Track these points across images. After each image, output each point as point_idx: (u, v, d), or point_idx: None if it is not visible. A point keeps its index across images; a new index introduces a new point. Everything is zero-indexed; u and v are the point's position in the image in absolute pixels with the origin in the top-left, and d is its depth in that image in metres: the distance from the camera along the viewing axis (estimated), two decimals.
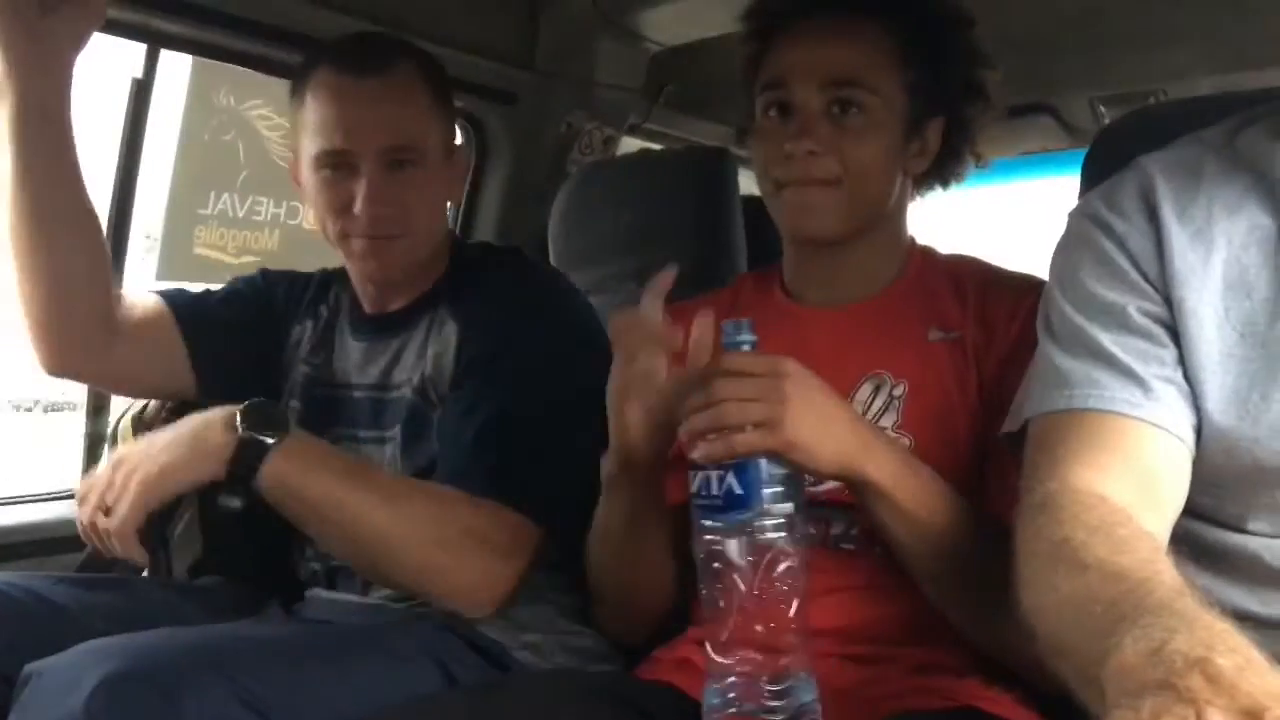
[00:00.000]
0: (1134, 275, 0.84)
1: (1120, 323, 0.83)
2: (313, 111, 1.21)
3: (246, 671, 0.96)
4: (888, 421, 1.05)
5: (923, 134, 1.12)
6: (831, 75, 1.06)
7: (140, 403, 1.46)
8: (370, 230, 1.20)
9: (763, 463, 0.85)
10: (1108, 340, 0.83)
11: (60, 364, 1.29)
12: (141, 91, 1.64)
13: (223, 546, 1.40)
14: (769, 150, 1.09)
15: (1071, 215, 0.92)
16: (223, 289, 1.41)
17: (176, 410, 1.40)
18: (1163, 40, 2.03)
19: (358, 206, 1.19)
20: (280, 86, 1.83)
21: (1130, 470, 0.79)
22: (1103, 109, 2.38)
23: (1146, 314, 0.83)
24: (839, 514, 1.02)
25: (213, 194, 1.84)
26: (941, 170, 1.17)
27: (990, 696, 0.96)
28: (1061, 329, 0.87)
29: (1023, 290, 1.06)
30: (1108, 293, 0.84)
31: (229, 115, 1.81)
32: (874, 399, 1.06)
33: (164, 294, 1.36)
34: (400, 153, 1.20)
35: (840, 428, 0.89)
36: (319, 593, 1.31)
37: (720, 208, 1.64)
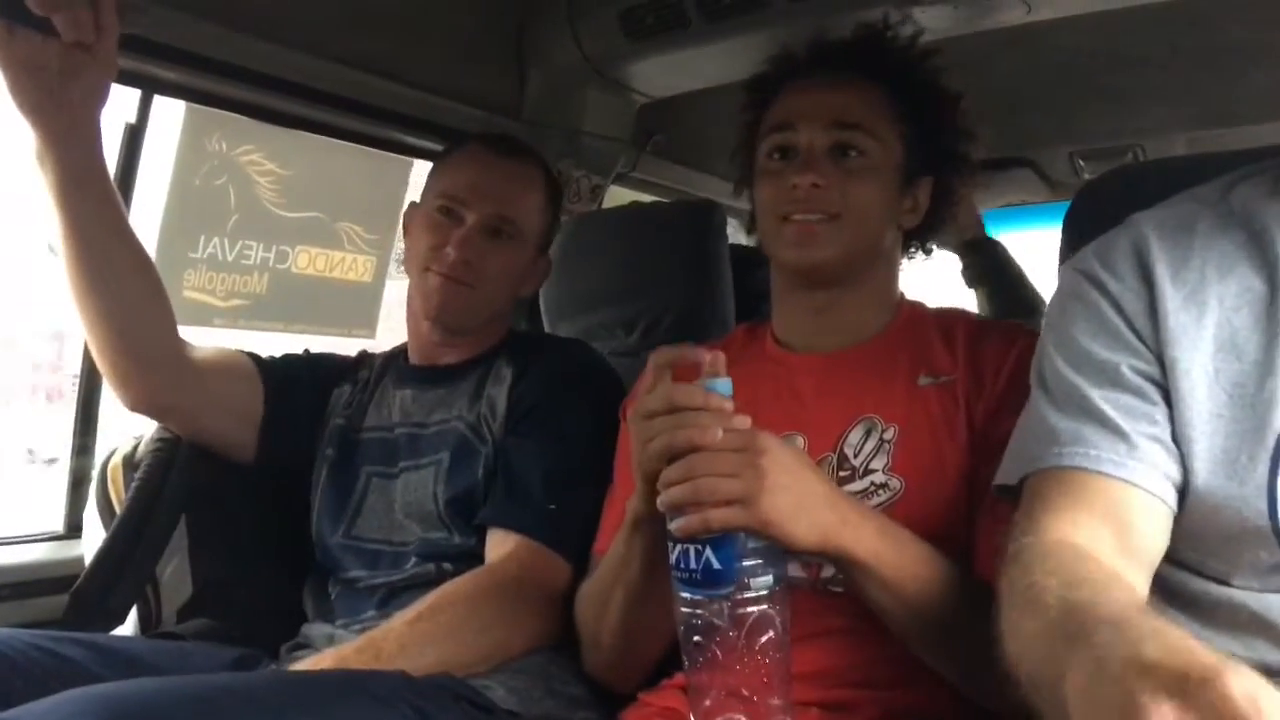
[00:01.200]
0: (1127, 334, 0.85)
1: (1112, 380, 0.84)
2: (448, 172, 1.42)
3: None
4: (879, 464, 1.05)
5: (914, 191, 1.17)
6: (836, 118, 1.12)
7: (130, 443, 1.46)
8: (450, 270, 1.36)
9: (741, 537, 0.84)
10: (1098, 396, 0.83)
11: (134, 402, 1.36)
12: (134, 136, 1.66)
13: (212, 588, 1.40)
14: (773, 187, 1.13)
15: (1065, 270, 0.93)
16: (296, 359, 1.53)
17: (165, 448, 1.40)
18: (1141, 97, 2.07)
19: (450, 247, 1.35)
20: (273, 133, 1.86)
21: (1106, 522, 0.79)
22: (1081, 163, 2.43)
23: (1139, 372, 0.84)
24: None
25: (203, 238, 1.84)
26: (925, 232, 1.23)
27: None
28: (1054, 383, 0.87)
29: (1013, 336, 1.08)
30: (1101, 350, 0.85)
31: (221, 160, 1.82)
32: (865, 441, 1.07)
33: (252, 355, 1.47)
34: (502, 222, 1.39)
35: (817, 504, 0.89)
36: (319, 627, 1.31)
37: (710, 259, 1.65)
